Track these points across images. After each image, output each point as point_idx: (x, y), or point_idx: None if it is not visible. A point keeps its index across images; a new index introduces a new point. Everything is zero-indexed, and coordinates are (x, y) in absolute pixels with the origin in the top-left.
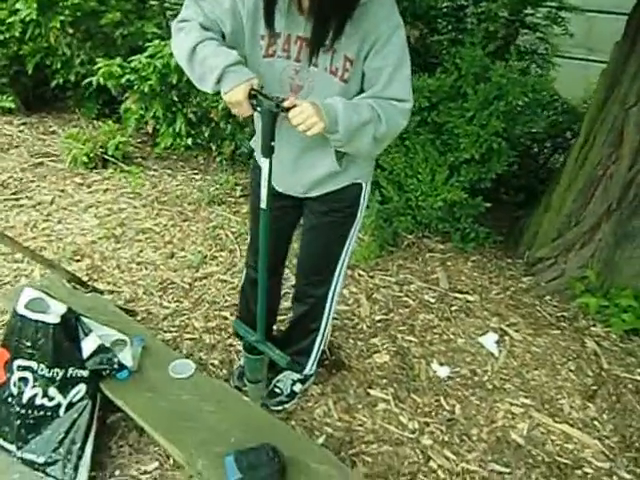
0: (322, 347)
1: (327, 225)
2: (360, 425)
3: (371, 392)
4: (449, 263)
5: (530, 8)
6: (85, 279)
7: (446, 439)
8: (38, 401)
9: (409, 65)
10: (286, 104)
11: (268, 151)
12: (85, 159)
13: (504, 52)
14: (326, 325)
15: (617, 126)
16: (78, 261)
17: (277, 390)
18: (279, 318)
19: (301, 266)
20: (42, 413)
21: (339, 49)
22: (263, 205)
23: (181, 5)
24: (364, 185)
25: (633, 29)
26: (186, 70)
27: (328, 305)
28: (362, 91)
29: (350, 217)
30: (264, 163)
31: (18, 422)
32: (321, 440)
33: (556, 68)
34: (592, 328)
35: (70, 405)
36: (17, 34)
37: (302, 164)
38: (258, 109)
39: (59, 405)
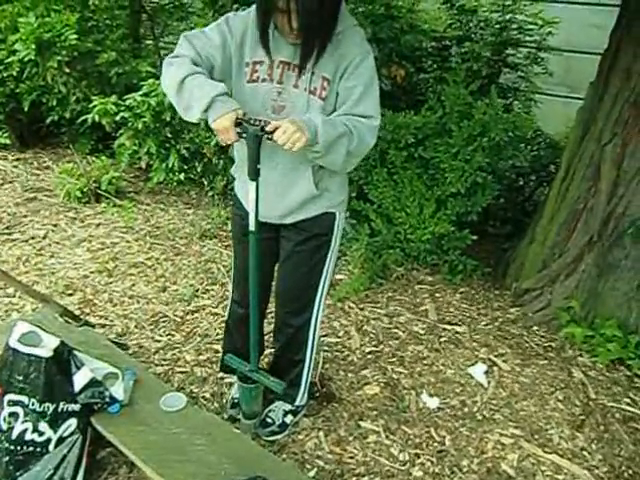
0: (311, 378)
1: (303, 253)
2: (351, 457)
3: (362, 424)
4: (438, 295)
5: (511, 49)
6: (77, 313)
7: (437, 470)
8: (28, 436)
9: (377, 87)
10: (268, 128)
11: (255, 174)
12: (78, 194)
13: (487, 90)
14: (311, 355)
15: (594, 162)
16: (70, 295)
17: (269, 420)
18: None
19: (280, 296)
20: (31, 449)
21: (317, 71)
22: (252, 228)
23: (175, 44)
24: (337, 214)
25: (605, 70)
26: (173, 100)
27: (311, 335)
28: (336, 110)
29: (325, 245)
30: (251, 186)
31: (7, 458)
32: (312, 473)
33: (538, 105)
34: (579, 358)
35: (60, 440)
36: (15, 73)
37: (280, 187)
38: (244, 135)
39: (49, 440)
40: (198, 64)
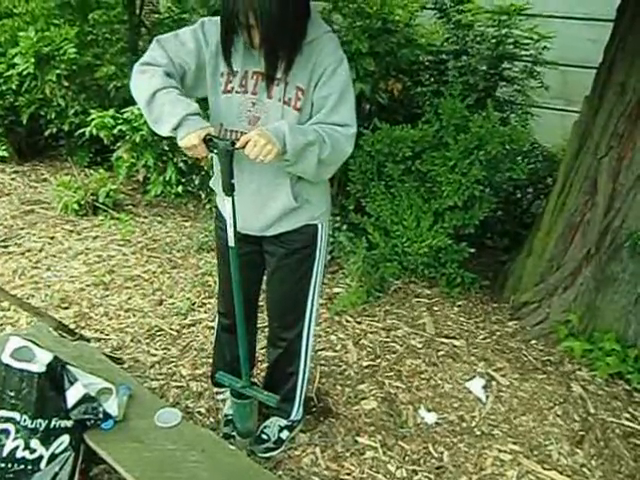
0: (305, 391)
1: (288, 267)
2: (348, 474)
3: (359, 440)
4: (435, 308)
5: (507, 62)
6: (72, 327)
7: None
8: (19, 454)
9: (353, 95)
10: (238, 144)
11: (230, 189)
12: (76, 206)
13: (484, 103)
14: (305, 368)
15: (591, 175)
16: (66, 308)
17: (264, 436)
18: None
19: (270, 310)
20: (22, 467)
21: (291, 81)
22: (231, 243)
23: None
24: (320, 226)
25: (600, 84)
26: (143, 110)
27: (304, 347)
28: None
29: (309, 258)
30: (227, 202)
31: None
32: None
33: (535, 118)
34: (577, 372)
35: (52, 457)
36: (14, 86)
37: (259, 200)
38: (215, 151)
39: (41, 458)
40: (171, 73)
